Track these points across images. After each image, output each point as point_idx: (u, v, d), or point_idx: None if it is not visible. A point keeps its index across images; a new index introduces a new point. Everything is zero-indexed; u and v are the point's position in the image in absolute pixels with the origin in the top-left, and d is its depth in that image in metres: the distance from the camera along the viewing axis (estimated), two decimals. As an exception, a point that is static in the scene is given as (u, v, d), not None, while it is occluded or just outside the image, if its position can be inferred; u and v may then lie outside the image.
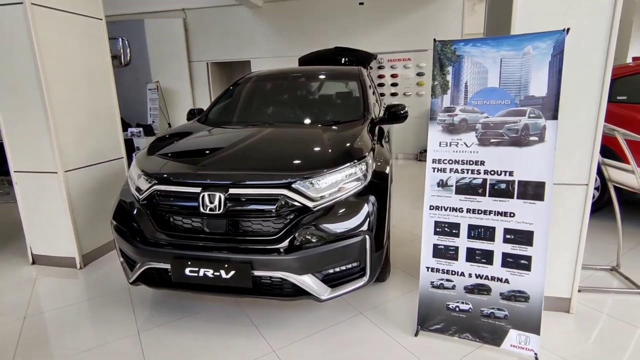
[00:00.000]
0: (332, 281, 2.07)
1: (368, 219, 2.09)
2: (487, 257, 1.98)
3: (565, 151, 2.07)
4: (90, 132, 3.22)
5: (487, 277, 1.99)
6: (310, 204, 2.01)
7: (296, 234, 1.96)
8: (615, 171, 2.64)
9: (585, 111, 2.03)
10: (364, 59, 5.65)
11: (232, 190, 2.01)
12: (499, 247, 1.96)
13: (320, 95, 3.43)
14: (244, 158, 2.28)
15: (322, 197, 2.04)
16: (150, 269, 2.12)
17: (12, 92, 2.85)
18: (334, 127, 2.70)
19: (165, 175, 2.15)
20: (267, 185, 2.02)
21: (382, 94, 7.44)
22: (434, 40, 2.02)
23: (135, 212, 2.21)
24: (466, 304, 2.04)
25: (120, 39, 8.08)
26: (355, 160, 2.18)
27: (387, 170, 2.45)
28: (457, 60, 1.97)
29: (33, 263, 3.24)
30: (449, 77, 1.99)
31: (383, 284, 2.68)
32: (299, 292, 2.00)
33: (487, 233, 1.97)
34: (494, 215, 1.95)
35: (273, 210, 1.99)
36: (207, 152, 2.39)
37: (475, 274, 2.01)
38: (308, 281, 1.99)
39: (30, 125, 2.87)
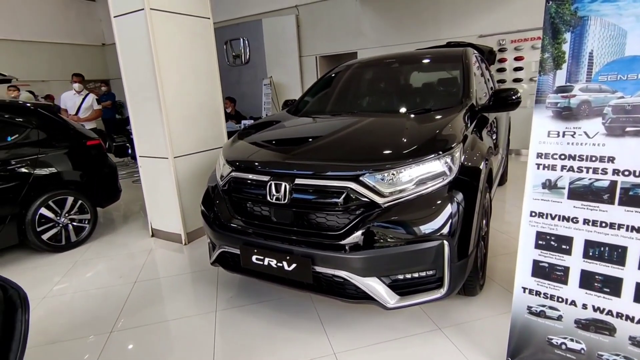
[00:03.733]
0: (401, 288, 1.83)
1: (449, 222, 1.78)
2: (612, 285, 1.48)
3: None
4: (197, 123, 3.55)
5: (610, 313, 1.49)
6: (379, 199, 1.80)
7: (362, 232, 1.78)
8: None
9: None
10: (481, 54, 4.98)
11: (298, 181, 1.93)
12: (631, 273, 1.44)
13: (416, 82, 3.10)
14: (316, 148, 2.18)
15: (394, 193, 1.81)
16: (224, 253, 2.21)
17: (138, 88, 3.32)
18: (425, 115, 2.40)
19: (238, 163, 2.20)
20: (333, 177, 1.88)
21: (501, 81, 6.51)
22: (547, 0, 1.57)
23: (216, 197, 2.33)
24: (578, 342, 1.57)
25: (241, 39, 8.92)
26: (438, 153, 1.88)
27: (482, 166, 2.06)
28: (579, 23, 1.50)
29: (152, 236, 3.77)
30: (566, 47, 1.53)
31: (473, 299, 2.29)
32: (362, 296, 1.82)
33: (614, 254, 1.47)
34: (626, 230, 1.44)
35: (338, 204, 1.84)
36: (282, 142, 2.37)
37: (594, 306, 1.53)
38: (372, 285, 1.79)
39: (148, 115, 3.30)
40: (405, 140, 2.01)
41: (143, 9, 2.99)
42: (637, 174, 1.40)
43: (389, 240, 1.76)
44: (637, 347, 1.44)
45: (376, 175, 1.83)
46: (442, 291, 1.82)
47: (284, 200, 1.93)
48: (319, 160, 2.01)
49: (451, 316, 2.15)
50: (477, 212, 1.92)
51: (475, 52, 3.36)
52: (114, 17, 3.22)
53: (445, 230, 1.77)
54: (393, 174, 1.83)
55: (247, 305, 2.42)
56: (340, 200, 1.84)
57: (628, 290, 1.45)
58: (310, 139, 2.31)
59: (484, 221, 2.29)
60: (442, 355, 1.87)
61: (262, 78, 8.69)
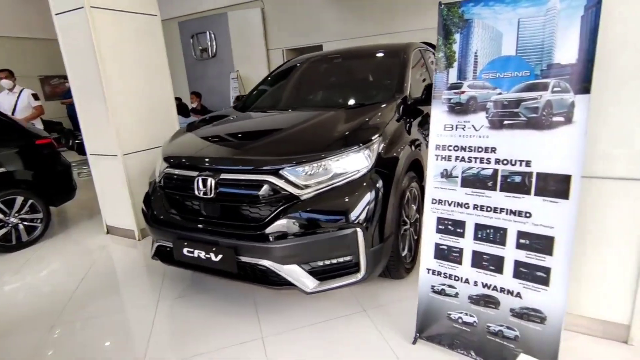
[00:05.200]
0: (321, 274, 1.96)
1: (363, 211, 1.91)
2: (496, 263, 1.64)
3: (621, 136, 1.57)
4: (146, 120, 3.57)
5: (495, 288, 1.66)
6: (297, 191, 1.92)
7: (281, 223, 1.89)
8: None
9: (651, 81, 1.50)
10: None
11: (223, 175, 2.02)
12: (510, 253, 1.60)
13: (357, 77, 3.21)
14: (243, 144, 2.27)
15: (311, 185, 1.93)
16: (161, 246, 2.29)
17: (83, 86, 3.32)
18: (357, 109, 2.52)
19: (172, 160, 2.28)
20: (254, 171, 1.98)
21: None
22: (439, 3, 1.70)
23: (154, 193, 2.40)
24: (470, 316, 1.73)
25: (208, 33, 8.85)
26: (356, 146, 2.01)
27: (402, 157, 2.20)
28: (466, 25, 1.63)
29: (107, 233, 3.80)
30: (456, 47, 1.67)
31: (401, 281, 2.44)
32: (284, 282, 1.94)
33: (497, 235, 1.63)
34: (506, 214, 1.60)
35: (259, 197, 1.95)
36: (215, 138, 2.45)
37: (482, 283, 1.69)
38: (293, 271, 1.91)
39: (95, 113, 3.31)
40: (326, 134, 2.13)
41: (83, 7, 2.99)
42: (513, 162, 1.56)
43: (306, 229, 1.88)
44: (516, 317, 1.61)
45: (295, 169, 1.94)
46: (359, 275, 1.96)
47: (211, 194, 2.03)
48: (243, 156, 2.11)
49: (378, 298, 2.30)
50: (392, 201, 2.06)
51: (424, 47, 3.47)
52: (55, 14, 3.20)
53: (359, 219, 1.90)
54: (310, 168, 1.94)
55: (189, 295, 2.52)
56: (261, 193, 1.94)
57: (508, 267, 1.61)
58: (241, 135, 2.40)
59: (414, 208, 2.44)
60: (363, 335, 2.01)
61: (230, 72, 8.67)
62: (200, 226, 2.08)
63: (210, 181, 2.02)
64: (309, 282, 1.93)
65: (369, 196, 1.96)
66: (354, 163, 1.99)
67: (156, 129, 3.68)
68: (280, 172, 1.94)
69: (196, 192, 2.06)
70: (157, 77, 3.67)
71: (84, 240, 3.69)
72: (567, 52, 1.41)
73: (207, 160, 2.14)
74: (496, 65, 1.57)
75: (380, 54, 3.35)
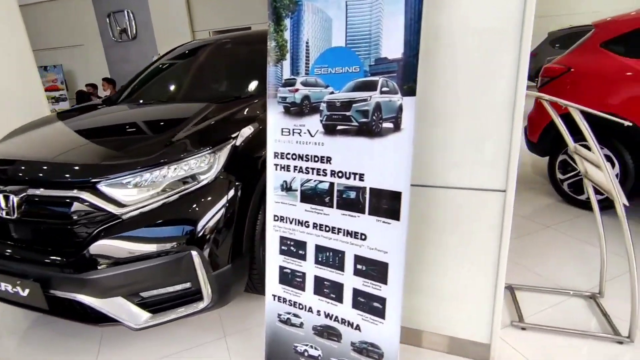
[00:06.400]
0: (155, 305, 1.66)
1: (203, 230, 1.61)
2: (336, 291, 1.42)
3: (474, 143, 1.38)
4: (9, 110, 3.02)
5: (337, 319, 1.44)
6: (118, 210, 1.57)
7: (98, 249, 1.55)
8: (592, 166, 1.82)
9: (497, 84, 1.30)
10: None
11: (30, 191, 1.63)
12: (349, 280, 1.38)
13: (235, 66, 2.87)
14: (65, 149, 1.85)
15: (136, 201, 1.59)
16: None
17: None
18: (221, 104, 2.19)
19: (-25, 169, 1.84)
20: (63, 185, 1.61)
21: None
22: (267, -20, 1.40)
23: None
24: (315, 349, 1.51)
25: (126, 12, 8.05)
26: (200, 149, 1.69)
27: (259, 163, 1.92)
28: (295, 8, 1.35)
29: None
30: (287, 35, 1.38)
31: (277, 297, 2.20)
32: (106, 317, 1.61)
33: (336, 259, 1.40)
34: (343, 235, 1.36)
35: (71, 217, 1.58)
36: (38, 142, 2.03)
37: (325, 313, 1.46)
38: (115, 305, 1.59)
39: None
40: (166, 135, 1.79)
41: None
42: (347, 175, 1.31)
43: (130, 256, 1.56)
44: (356, 352, 1.40)
45: (115, 181, 1.59)
46: (202, 304, 1.67)
47: (14, 214, 1.63)
48: (53, 165, 1.71)
49: (245, 321, 2.03)
50: (252, 212, 1.79)
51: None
52: None
53: (195, 239, 1.60)
54: (136, 178, 1.60)
55: (27, 328, 2.12)
56: (72, 212, 1.58)
57: (347, 296, 1.39)
58: (73, 137, 2.00)
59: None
60: (213, 367, 1.75)
61: (153, 55, 7.95)
62: (7, 254, 1.69)
63: (12, 198, 1.63)
64: (136, 317, 1.61)
65: (213, 211, 1.66)
66: (195, 171, 1.67)
67: (18, 122, 3.13)
68: (97, 185, 1.58)
69: (-2, 212, 1.66)
70: (14, 65, 3.10)
71: None
72: (393, 44, 1.17)
73: (10, 171, 1.73)
74: (327, 58, 1.31)
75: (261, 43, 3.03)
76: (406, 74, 1.15)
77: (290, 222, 1.48)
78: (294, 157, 1.43)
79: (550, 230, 2.74)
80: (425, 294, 1.65)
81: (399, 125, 1.18)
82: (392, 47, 1.16)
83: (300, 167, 1.42)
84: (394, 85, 1.18)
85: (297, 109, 1.40)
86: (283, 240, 1.52)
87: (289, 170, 1.45)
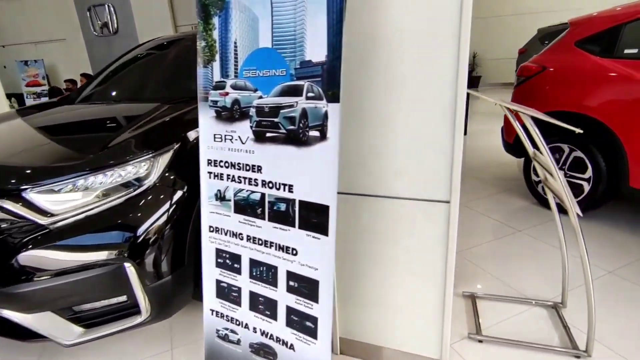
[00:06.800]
0: (89, 319, 1.57)
1: (137, 240, 1.52)
2: (271, 308, 1.34)
3: (415, 150, 1.29)
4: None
5: (272, 337, 1.35)
6: (45, 220, 1.48)
7: (24, 261, 1.45)
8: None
9: (435, 87, 1.21)
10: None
11: (-49, 199, 1.53)
12: (282, 297, 1.30)
13: (191, 65, 2.75)
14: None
15: (64, 210, 1.49)
16: None
17: None
18: (171, 105, 2.08)
19: None
20: (-14, 194, 1.51)
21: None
22: (194, -25, 1.30)
23: None
24: (253, 367, 1.43)
25: (107, 6, 7.86)
26: (138, 153, 1.59)
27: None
28: (224, 5, 1.25)
29: None
30: (216, 34, 1.29)
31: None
32: (33, 334, 1.52)
33: (269, 274, 1.32)
34: (275, 249, 1.28)
35: (-9, 227, 1.49)
36: None
37: (260, 330, 1.38)
38: (43, 321, 1.50)
39: None
40: (103, 137, 1.69)
41: None
42: (277, 186, 1.23)
43: (57, 268, 1.46)
44: (291, 373, 1.32)
45: (44, 189, 1.49)
46: (139, 318, 1.59)
47: None
48: None
49: (194, 332, 1.95)
50: (193, 223, 1.69)
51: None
52: None
53: (129, 250, 1.51)
54: (67, 186, 1.51)
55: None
56: (-4, 222, 1.48)
57: (281, 313, 1.31)
58: (6, 139, 1.89)
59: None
60: (154, 384, 1.67)
61: (135, 51, 7.78)
62: None
63: None
64: (68, 332, 1.52)
65: (152, 219, 1.56)
66: (134, 176, 1.57)
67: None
68: (24, 193, 1.48)
69: None
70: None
71: None
72: (317, 46, 1.07)
73: None
74: (255, 60, 1.22)
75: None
76: (330, 79, 1.06)
77: (225, 234, 1.40)
78: (226, 165, 1.34)
79: (522, 234, 2.67)
80: (374, 308, 1.58)
81: (325, 134, 1.10)
82: (316, 50, 1.07)
83: (233, 176, 1.33)
84: (319, 90, 1.09)
85: (228, 114, 1.31)
86: (219, 252, 1.43)
87: (222, 179, 1.37)
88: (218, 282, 1.46)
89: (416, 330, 1.55)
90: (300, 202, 1.18)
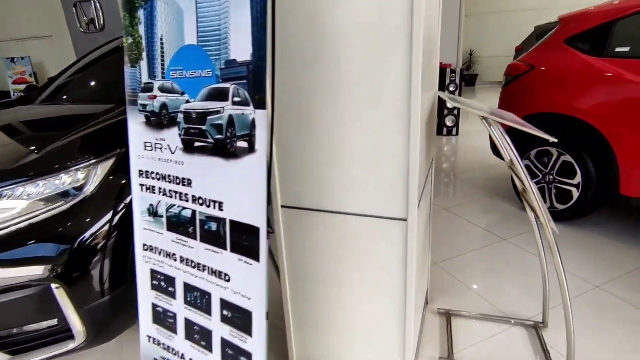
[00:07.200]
0: (16, 345, 1.42)
1: (67, 258, 1.37)
2: (206, 338, 1.19)
3: (368, 161, 1.14)
4: None
5: (208, 370, 1.21)
6: (-38, 235, 1.33)
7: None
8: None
9: (387, 91, 1.06)
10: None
11: None
12: (216, 327, 1.15)
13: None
14: None
15: (-16, 225, 1.35)
16: None
17: None
18: (123, 107, 1.93)
19: None
20: None
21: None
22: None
23: None
24: (191, 402, 1.29)
25: (92, 1, 7.66)
26: (72, 163, 1.44)
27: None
28: (148, -3, 1.10)
29: None
30: (142, 29, 1.13)
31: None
32: (-48, 362, 1.38)
33: (203, 301, 1.17)
34: (208, 273, 1.13)
35: None
36: None
37: (197, 361, 1.24)
38: (-39, 348, 1.36)
39: None
40: (39, 144, 1.54)
41: None
42: (207, 202, 1.08)
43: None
44: (227, 412, 1.18)
45: (-39, 202, 1.35)
46: (72, 343, 1.44)
47: None
48: None
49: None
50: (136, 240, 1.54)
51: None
52: None
53: (59, 269, 1.36)
54: (-12, 198, 1.36)
55: None
56: None
57: (216, 345, 1.16)
58: None
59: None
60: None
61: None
62: None
63: None
64: (-10, 360, 1.38)
65: (86, 234, 1.41)
66: (67, 186, 1.43)
67: None
68: (-63, 207, 1.34)
69: None
70: None
71: None
72: (242, 42, 0.92)
73: None
74: (181, 58, 1.06)
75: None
76: (256, 81, 0.91)
77: (159, 253, 1.25)
78: (157, 177, 1.19)
79: (507, 243, 2.53)
80: (331, 330, 1.43)
81: (253, 145, 0.94)
82: (241, 47, 0.92)
83: (164, 190, 1.18)
84: (245, 94, 0.94)
85: (157, 120, 1.16)
86: (153, 273, 1.29)
87: (154, 192, 1.22)
88: (154, 305, 1.31)
89: (376, 354, 1.40)
90: (231, 222, 1.03)
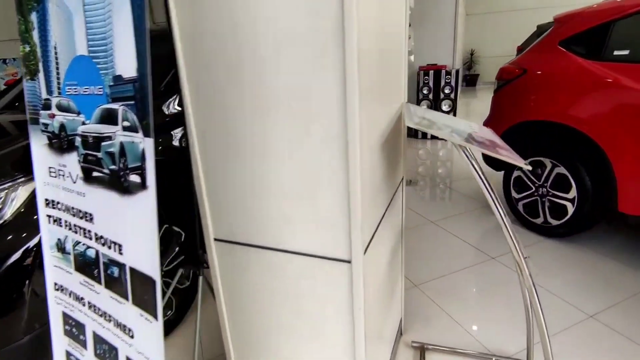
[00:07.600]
0: None
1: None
2: (117, 398, 1.02)
3: (306, 194, 0.96)
4: None
5: None
6: None
7: None
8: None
9: (320, 112, 0.88)
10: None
11: None
12: (129, 387, 0.98)
13: None
14: None
15: None
16: None
17: None
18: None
19: None
20: None
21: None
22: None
23: None
24: None
25: (84, 2, 7.57)
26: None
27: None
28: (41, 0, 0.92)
29: None
30: (36, 36, 0.96)
31: None
32: None
33: (111, 356, 1.00)
34: (114, 325, 0.96)
35: None
36: None
37: (110, 422, 1.06)
38: None
39: None
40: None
41: None
42: (109, 243, 0.90)
43: None
44: None
45: None
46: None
47: None
48: None
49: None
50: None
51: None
52: None
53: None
54: None
55: None
56: None
57: (126, 408, 0.99)
58: None
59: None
60: None
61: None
62: None
63: None
64: None
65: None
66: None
67: None
68: None
69: None
70: None
71: None
72: (126, 55, 0.74)
73: None
74: (75, 71, 0.89)
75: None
76: (142, 104, 0.73)
77: (69, 295, 1.08)
78: (63, 208, 1.02)
79: (495, 263, 2.33)
80: (279, 380, 1.25)
81: (145, 181, 0.77)
82: (127, 61, 0.75)
83: (70, 223, 1.01)
84: (133, 119, 0.76)
85: (58, 142, 0.98)
86: (65, 317, 1.12)
87: (61, 225, 1.05)
88: (68, 354, 1.14)
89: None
90: (131, 269, 0.85)
